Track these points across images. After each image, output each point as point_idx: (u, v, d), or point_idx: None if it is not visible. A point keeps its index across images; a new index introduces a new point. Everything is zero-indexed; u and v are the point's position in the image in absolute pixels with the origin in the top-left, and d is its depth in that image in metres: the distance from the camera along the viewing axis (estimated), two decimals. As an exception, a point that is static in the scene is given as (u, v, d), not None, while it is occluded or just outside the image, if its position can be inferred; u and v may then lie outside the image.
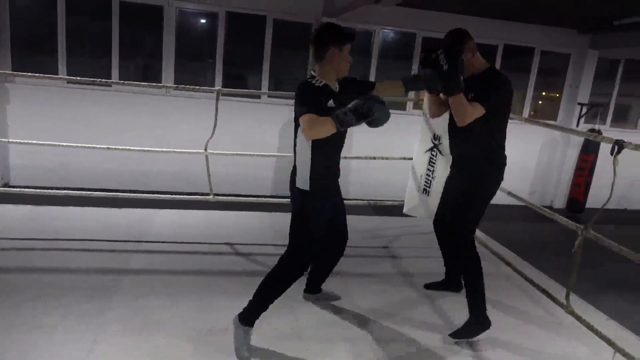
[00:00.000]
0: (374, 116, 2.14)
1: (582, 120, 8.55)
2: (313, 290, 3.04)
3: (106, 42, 6.87)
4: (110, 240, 3.73)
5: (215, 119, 3.71)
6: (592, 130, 8.35)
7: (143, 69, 7.66)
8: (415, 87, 2.63)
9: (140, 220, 4.23)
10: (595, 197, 8.37)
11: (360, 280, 3.46)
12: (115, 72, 6.93)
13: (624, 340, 2.68)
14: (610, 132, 8.57)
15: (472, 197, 2.78)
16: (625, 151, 2.47)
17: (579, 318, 2.64)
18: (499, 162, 2.80)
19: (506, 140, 2.82)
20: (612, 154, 2.50)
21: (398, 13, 7.38)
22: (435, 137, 4.21)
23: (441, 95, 2.86)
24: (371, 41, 7.83)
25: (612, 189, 2.55)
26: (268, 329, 2.66)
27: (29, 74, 5.06)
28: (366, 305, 3.07)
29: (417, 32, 7.76)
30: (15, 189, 4.38)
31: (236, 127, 7.33)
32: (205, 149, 3.77)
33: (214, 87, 5.45)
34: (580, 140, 8.45)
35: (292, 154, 2.48)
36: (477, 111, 2.59)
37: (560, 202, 9.00)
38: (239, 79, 8.11)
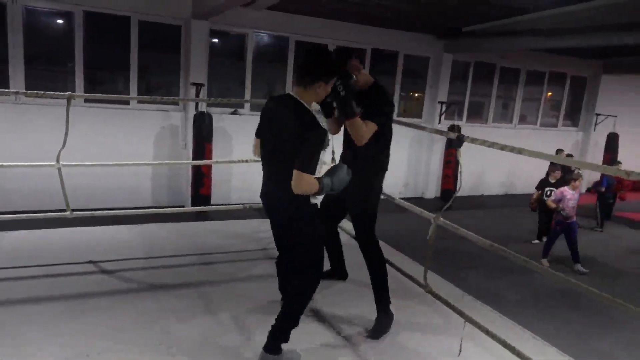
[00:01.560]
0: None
1: (443, 117, 9.45)
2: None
3: None
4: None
5: (67, 127, 3.36)
6: (452, 126, 9.23)
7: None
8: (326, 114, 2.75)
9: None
10: (463, 186, 9.31)
11: (242, 283, 3.43)
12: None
13: (475, 311, 2.99)
14: (466, 127, 9.58)
15: (367, 206, 3.00)
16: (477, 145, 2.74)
17: (435, 295, 2.89)
18: (384, 169, 3.06)
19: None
20: (454, 146, 2.77)
21: (271, 17, 7.45)
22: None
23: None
24: (245, 44, 7.80)
25: (460, 179, 2.80)
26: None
27: None
28: (243, 307, 3.03)
29: (290, 36, 7.92)
30: None
31: (105, 136, 6.79)
32: (57, 161, 3.41)
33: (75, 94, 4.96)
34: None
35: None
36: (371, 129, 2.79)
37: (432, 193, 9.84)
38: (105, 85, 7.53)
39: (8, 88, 6.25)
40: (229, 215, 5.31)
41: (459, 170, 2.82)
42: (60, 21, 6.86)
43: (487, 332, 2.46)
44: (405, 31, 8.70)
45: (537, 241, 7.45)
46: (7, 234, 3.94)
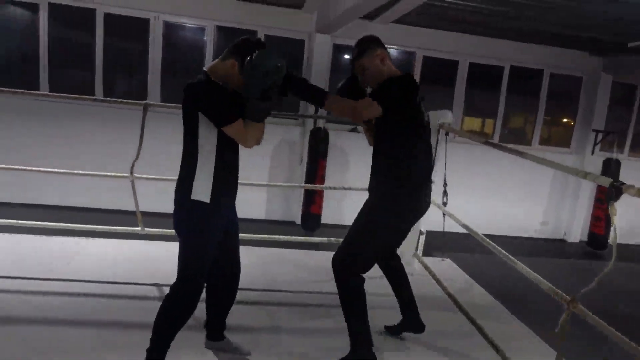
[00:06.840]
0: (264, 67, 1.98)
1: (598, 147, 7.95)
2: (215, 337, 2.49)
3: (89, 55, 6.64)
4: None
5: (141, 137, 3.04)
6: (608, 160, 7.73)
7: (128, 84, 7.42)
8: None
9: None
10: (619, 231, 7.69)
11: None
12: (99, 86, 6.69)
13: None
14: (628, 161, 7.94)
15: (368, 226, 2.44)
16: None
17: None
18: (409, 178, 2.38)
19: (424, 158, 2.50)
20: (608, 200, 1.88)
21: (396, 31, 7.01)
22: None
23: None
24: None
25: (614, 248, 1.88)
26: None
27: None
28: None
29: (416, 51, 7.36)
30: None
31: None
32: (131, 173, 3.08)
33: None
34: (597, 168, 7.79)
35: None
36: (371, 107, 2.22)
37: (576, 235, 8.29)
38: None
39: (146, 97, 6.73)
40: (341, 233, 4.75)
41: (612, 229, 1.92)
42: (191, 35, 7.27)
43: None
44: (552, 46, 7.54)
45: None
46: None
